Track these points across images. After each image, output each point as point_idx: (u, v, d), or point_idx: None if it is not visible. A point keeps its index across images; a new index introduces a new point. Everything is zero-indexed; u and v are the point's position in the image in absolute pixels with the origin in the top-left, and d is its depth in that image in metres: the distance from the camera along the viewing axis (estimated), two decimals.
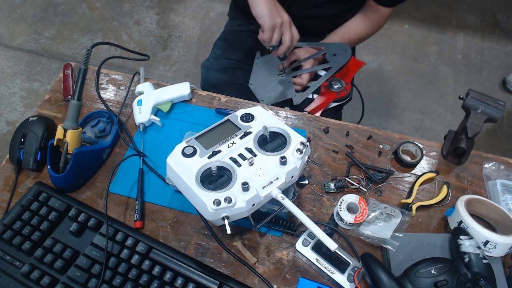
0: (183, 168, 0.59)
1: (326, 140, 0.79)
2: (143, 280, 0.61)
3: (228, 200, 0.54)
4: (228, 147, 0.61)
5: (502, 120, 1.84)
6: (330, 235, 0.67)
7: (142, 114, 0.79)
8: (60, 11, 2.24)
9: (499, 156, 0.77)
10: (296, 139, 0.62)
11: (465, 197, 0.67)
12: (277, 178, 0.58)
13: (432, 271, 0.56)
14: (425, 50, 2.08)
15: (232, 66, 1.09)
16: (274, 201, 0.58)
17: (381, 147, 0.78)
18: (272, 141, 0.64)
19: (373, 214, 0.66)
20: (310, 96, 1.00)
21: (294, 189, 0.65)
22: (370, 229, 0.65)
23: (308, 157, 0.63)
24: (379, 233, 0.65)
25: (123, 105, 0.82)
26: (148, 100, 0.80)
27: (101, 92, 0.85)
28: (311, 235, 0.65)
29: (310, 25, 1.04)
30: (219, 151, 0.61)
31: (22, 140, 0.74)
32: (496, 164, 0.75)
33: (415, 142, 0.77)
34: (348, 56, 0.95)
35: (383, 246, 0.65)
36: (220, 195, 0.54)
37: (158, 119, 0.80)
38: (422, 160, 0.76)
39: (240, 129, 0.65)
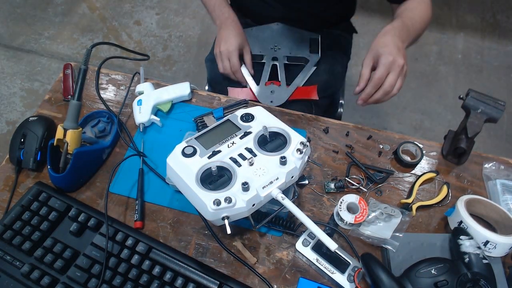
0: (183, 168, 0.59)
1: (326, 140, 0.79)
2: (143, 280, 0.61)
3: (228, 200, 0.54)
4: (228, 147, 0.61)
5: (502, 120, 1.84)
6: (330, 235, 0.67)
7: (142, 114, 0.79)
8: (60, 11, 2.23)
9: (499, 156, 0.77)
10: (296, 139, 0.62)
11: (465, 197, 0.67)
12: (277, 178, 0.58)
13: (432, 271, 0.56)
14: (425, 50, 2.08)
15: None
16: (274, 201, 0.58)
17: (381, 147, 0.78)
18: (272, 141, 0.64)
19: (373, 214, 0.66)
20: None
21: (294, 189, 0.65)
22: (370, 229, 0.65)
23: (308, 157, 0.63)
24: (379, 233, 0.65)
25: (123, 105, 0.82)
26: (148, 100, 0.80)
27: (101, 92, 0.85)
28: (311, 235, 0.65)
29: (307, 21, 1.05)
30: (219, 151, 0.61)
31: (22, 140, 0.74)
32: (496, 164, 0.75)
33: (415, 142, 0.77)
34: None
35: (383, 246, 0.65)
36: (220, 195, 0.54)
37: (158, 119, 0.80)
38: (422, 160, 0.76)
39: (240, 129, 0.65)
